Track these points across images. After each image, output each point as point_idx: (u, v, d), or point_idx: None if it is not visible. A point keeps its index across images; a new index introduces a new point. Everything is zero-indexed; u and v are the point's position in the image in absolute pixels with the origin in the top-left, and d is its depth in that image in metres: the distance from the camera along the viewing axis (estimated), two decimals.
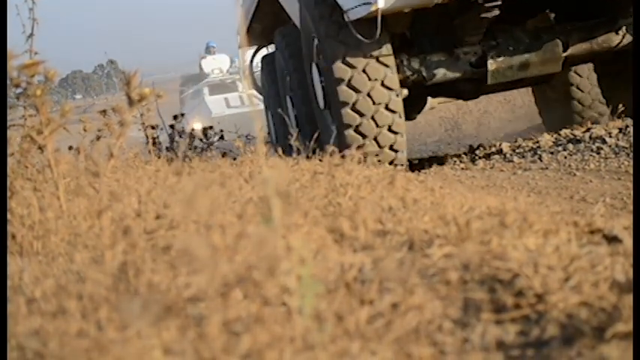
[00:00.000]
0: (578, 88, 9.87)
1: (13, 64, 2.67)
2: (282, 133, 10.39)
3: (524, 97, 16.73)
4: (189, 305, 1.70)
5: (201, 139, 9.53)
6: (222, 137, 10.15)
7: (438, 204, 3.00)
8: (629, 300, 1.64)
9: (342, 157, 3.54)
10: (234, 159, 5.69)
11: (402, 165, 7.43)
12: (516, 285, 1.84)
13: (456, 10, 7.37)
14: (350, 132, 7.32)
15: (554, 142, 7.55)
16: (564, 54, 8.03)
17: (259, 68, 11.90)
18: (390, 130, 7.34)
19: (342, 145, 7.02)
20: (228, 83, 29.14)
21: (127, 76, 2.33)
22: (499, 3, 6.99)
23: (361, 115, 7.27)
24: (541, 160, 6.83)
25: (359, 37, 6.96)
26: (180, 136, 8.64)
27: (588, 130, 7.67)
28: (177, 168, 4.00)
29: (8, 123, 3.11)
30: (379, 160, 7.25)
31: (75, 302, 1.82)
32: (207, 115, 25.39)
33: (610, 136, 6.96)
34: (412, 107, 8.38)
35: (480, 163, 7.42)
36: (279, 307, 1.62)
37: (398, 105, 7.30)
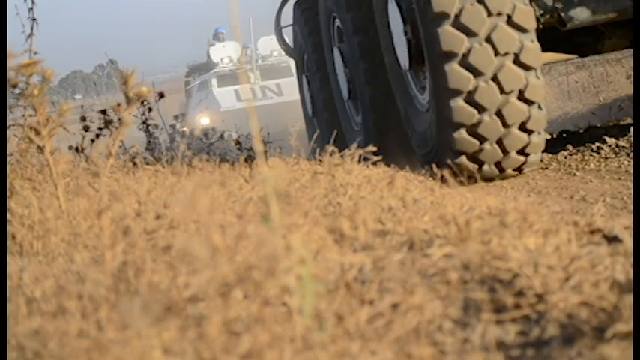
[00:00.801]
0: None
1: (12, 63, 2.67)
2: (323, 110, 8.26)
3: None
4: (189, 305, 1.70)
5: (201, 139, 9.49)
6: (222, 137, 10.02)
7: (438, 204, 2.99)
8: (629, 300, 1.64)
9: (342, 156, 3.54)
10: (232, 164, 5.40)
11: (537, 156, 5.25)
12: (516, 285, 1.84)
13: None
14: (459, 102, 4.70)
15: (554, 141, 7.55)
16: None
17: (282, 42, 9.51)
18: (521, 98, 4.77)
19: (445, 123, 4.91)
20: (239, 74, 25.17)
21: (125, 75, 2.33)
22: None
23: (477, 73, 4.67)
24: (541, 160, 6.82)
25: None
26: (182, 137, 8.60)
27: (588, 129, 7.67)
28: (177, 168, 4.00)
29: (8, 123, 3.11)
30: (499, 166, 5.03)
31: (75, 302, 1.82)
32: (215, 109, 22.95)
33: (610, 136, 6.96)
34: None
35: None
36: (280, 306, 1.62)
37: (534, 56, 4.71)
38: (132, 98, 2.49)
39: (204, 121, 21.20)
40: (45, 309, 1.84)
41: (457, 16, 4.61)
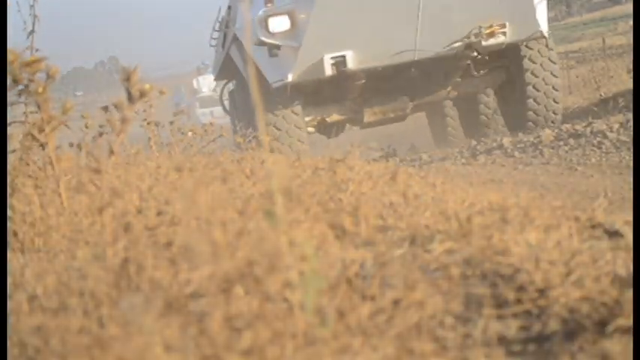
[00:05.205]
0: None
1: (14, 61, 2.67)
2: None
3: None
4: (190, 301, 1.70)
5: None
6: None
7: (439, 199, 3.00)
8: (630, 294, 1.64)
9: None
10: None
11: None
12: (518, 280, 1.84)
13: None
14: None
15: (555, 136, 7.54)
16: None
17: None
18: None
19: None
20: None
21: (128, 72, 2.33)
22: None
23: None
24: (542, 155, 6.82)
25: None
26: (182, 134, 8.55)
27: (589, 124, 7.66)
28: (179, 164, 3.99)
29: (9, 120, 3.11)
30: None
31: (76, 299, 1.82)
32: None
33: (611, 131, 6.95)
34: None
35: (481, 158, 7.41)
36: (281, 303, 1.62)
37: None
38: (134, 95, 2.49)
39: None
40: (46, 306, 1.85)
41: None
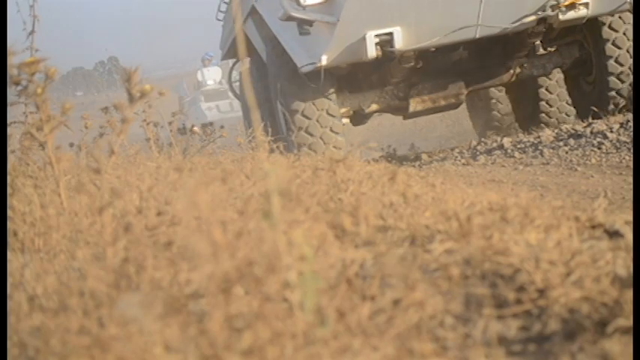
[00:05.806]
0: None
1: (13, 61, 2.67)
2: None
3: None
4: (190, 301, 1.70)
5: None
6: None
7: (439, 199, 3.00)
8: (630, 294, 1.64)
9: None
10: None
11: None
12: (518, 280, 1.84)
13: None
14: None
15: (555, 137, 7.54)
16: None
17: None
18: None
19: None
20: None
21: (128, 73, 2.33)
22: None
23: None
24: (542, 156, 6.82)
25: None
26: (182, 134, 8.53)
27: (589, 125, 7.66)
28: (179, 164, 3.99)
29: (9, 120, 3.11)
30: None
31: (76, 299, 1.82)
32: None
33: (611, 131, 6.95)
34: None
35: (482, 158, 7.41)
36: (281, 303, 1.62)
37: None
38: (134, 95, 2.48)
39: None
40: (46, 306, 1.85)
41: None
